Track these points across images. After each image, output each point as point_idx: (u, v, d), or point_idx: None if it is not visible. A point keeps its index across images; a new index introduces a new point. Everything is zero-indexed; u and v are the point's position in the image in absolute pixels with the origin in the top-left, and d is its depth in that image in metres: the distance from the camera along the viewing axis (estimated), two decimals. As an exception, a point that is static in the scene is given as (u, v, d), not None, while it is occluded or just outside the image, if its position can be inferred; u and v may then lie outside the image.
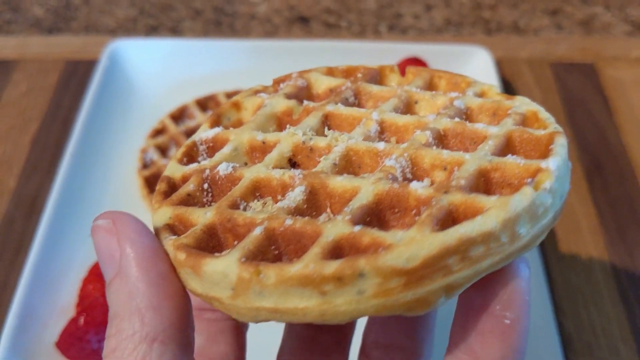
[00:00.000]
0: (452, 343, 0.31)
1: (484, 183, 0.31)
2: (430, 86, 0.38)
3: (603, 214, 0.69)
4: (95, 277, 0.59)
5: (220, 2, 0.99)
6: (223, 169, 0.33)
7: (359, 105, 0.38)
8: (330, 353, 0.39)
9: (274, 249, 0.29)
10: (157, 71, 0.80)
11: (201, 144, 0.36)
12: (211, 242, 0.31)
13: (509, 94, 0.36)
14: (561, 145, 0.31)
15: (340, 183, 0.31)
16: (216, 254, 0.30)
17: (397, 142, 0.34)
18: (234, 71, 0.81)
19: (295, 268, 0.27)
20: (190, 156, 0.36)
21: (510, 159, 0.31)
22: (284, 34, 0.94)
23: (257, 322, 0.29)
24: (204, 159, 0.36)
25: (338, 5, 0.99)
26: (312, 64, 0.78)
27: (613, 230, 0.68)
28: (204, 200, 0.33)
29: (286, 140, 0.34)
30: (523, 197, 0.28)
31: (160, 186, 0.34)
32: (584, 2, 1.00)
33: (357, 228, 0.28)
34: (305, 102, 0.37)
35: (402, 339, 0.38)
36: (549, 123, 0.33)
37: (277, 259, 0.29)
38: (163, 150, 0.73)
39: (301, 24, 0.96)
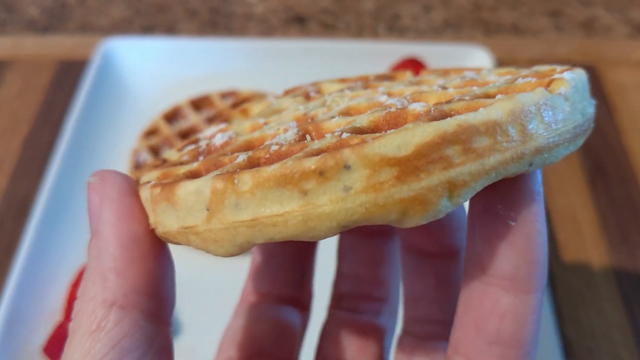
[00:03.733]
0: (465, 259, 0.28)
1: None
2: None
3: (605, 218, 0.68)
4: (84, 280, 0.57)
5: (216, 2, 0.98)
6: (219, 139, 0.31)
7: None
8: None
9: None
10: (151, 71, 0.79)
11: (204, 140, 0.35)
12: None
13: None
14: (577, 70, 0.28)
15: (335, 122, 0.28)
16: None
17: None
18: (229, 71, 0.80)
19: (273, 167, 0.24)
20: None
21: (520, 80, 0.28)
22: (281, 35, 0.93)
23: (237, 249, 0.26)
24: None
25: (336, 6, 0.98)
26: (310, 64, 0.78)
27: (615, 234, 0.66)
28: None
29: (287, 115, 0.32)
30: (533, 94, 0.25)
31: (154, 162, 0.33)
32: (584, 4, 0.98)
33: (345, 135, 0.25)
34: (312, 94, 0.36)
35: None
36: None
37: None
38: (156, 152, 0.71)
39: (298, 24, 0.95)
